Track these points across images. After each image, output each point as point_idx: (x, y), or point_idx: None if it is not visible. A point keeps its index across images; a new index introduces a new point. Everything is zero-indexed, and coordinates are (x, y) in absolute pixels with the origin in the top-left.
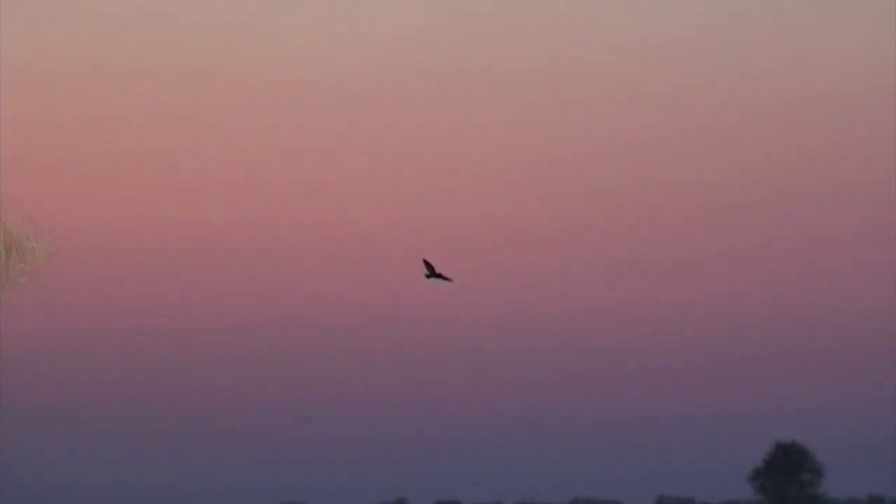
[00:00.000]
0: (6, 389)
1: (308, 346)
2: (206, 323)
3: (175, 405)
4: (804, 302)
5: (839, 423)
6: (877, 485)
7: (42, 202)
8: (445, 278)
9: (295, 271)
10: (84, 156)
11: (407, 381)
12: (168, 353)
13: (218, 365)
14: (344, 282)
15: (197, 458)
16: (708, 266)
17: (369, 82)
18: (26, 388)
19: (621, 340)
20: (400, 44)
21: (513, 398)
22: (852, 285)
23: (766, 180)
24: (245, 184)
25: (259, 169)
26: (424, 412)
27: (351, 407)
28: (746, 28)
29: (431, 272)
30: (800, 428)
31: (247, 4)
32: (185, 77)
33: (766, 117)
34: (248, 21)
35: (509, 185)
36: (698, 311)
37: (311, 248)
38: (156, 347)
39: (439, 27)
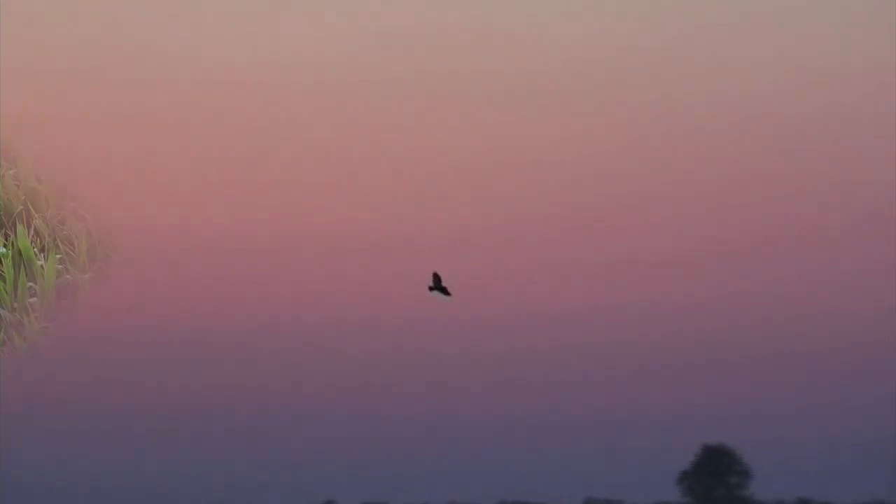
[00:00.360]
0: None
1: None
2: (217, 322)
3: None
4: (741, 305)
5: (767, 425)
6: (805, 487)
7: (55, 212)
8: (447, 293)
9: (295, 272)
10: (90, 158)
11: (336, 381)
12: (176, 354)
13: (213, 365)
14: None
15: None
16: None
17: (371, 82)
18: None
19: (548, 343)
20: (397, 44)
21: (439, 401)
22: (774, 290)
23: (765, 181)
24: (252, 185)
25: (259, 172)
26: (350, 413)
27: (277, 407)
28: (745, 29)
29: (436, 285)
30: (728, 430)
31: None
32: (190, 78)
33: (765, 117)
34: (246, 21)
35: (507, 185)
36: (624, 314)
37: (316, 250)
38: (171, 348)
39: (434, 26)
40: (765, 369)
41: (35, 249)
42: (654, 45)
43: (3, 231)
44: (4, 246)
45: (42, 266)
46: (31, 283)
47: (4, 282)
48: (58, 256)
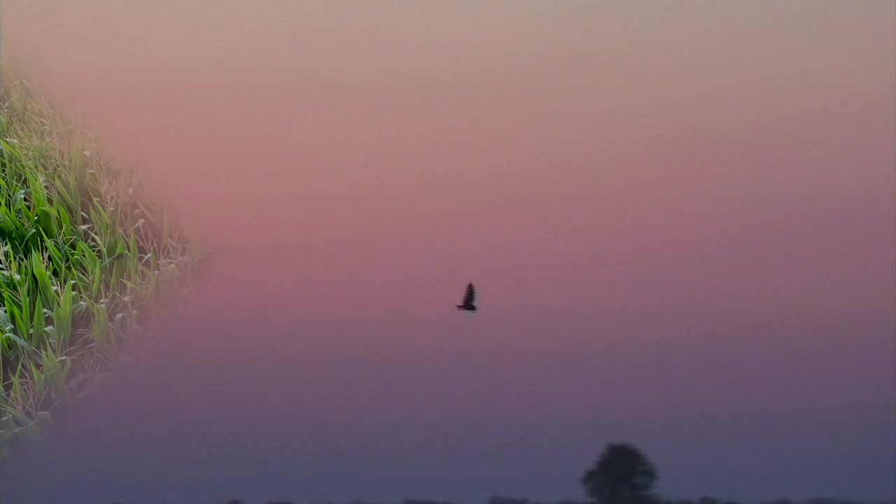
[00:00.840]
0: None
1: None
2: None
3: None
4: (647, 307)
5: (672, 425)
6: (709, 488)
7: (67, 236)
8: (471, 309)
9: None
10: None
11: (233, 380)
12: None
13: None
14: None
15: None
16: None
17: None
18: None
19: (453, 345)
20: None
21: (335, 400)
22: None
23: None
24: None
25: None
26: (251, 412)
27: (175, 406)
28: (745, 28)
29: (469, 300)
30: (633, 430)
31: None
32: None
33: (766, 119)
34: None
35: (512, 185)
36: (517, 313)
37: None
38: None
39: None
40: (673, 370)
41: (48, 274)
42: (655, 45)
43: (17, 257)
44: (19, 272)
45: (57, 292)
46: (45, 310)
47: (20, 310)
48: (71, 282)
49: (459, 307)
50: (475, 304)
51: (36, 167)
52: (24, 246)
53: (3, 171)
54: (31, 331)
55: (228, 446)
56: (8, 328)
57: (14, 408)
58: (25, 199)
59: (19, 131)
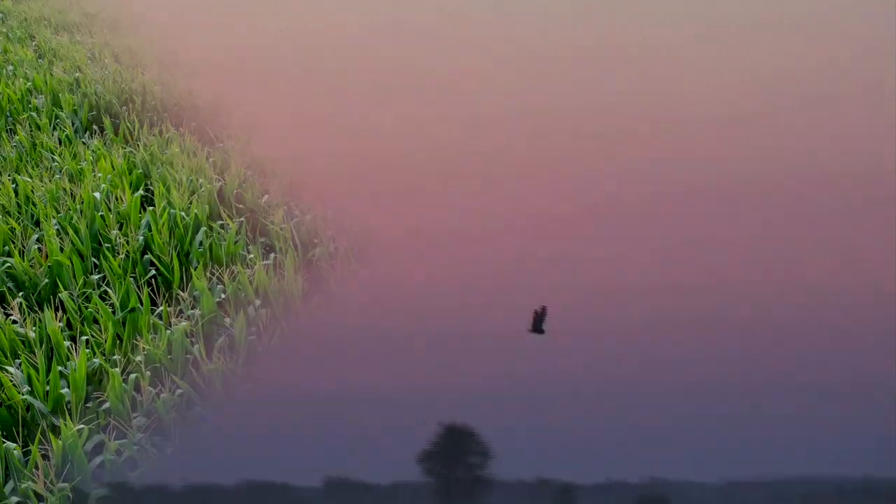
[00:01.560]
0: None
1: None
2: None
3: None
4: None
5: (505, 405)
6: (545, 468)
7: (80, 289)
8: (540, 331)
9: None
10: None
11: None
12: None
13: None
14: None
15: None
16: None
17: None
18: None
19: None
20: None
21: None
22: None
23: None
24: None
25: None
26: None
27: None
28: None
29: (538, 324)
30: (467, 410)
31: None
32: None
33: (766, 115)
34: None
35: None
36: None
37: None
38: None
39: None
40: (509, 346)
41: (61, 325)
42: (655, 43)
43: (30, 309)
44: (34, 326)
45: (70, 349)
46: (59, 367)
47: (37, 371)
48: (83, 338)
49: (530, 331)
50: (544, 327)
51: (47, 208)
52: (37, 296)
53: (19, 212)
54: (48, 388)
55: None
56: (25, 389)
57: (34, 481)
58: (38, 242)
59: (29, 169)
